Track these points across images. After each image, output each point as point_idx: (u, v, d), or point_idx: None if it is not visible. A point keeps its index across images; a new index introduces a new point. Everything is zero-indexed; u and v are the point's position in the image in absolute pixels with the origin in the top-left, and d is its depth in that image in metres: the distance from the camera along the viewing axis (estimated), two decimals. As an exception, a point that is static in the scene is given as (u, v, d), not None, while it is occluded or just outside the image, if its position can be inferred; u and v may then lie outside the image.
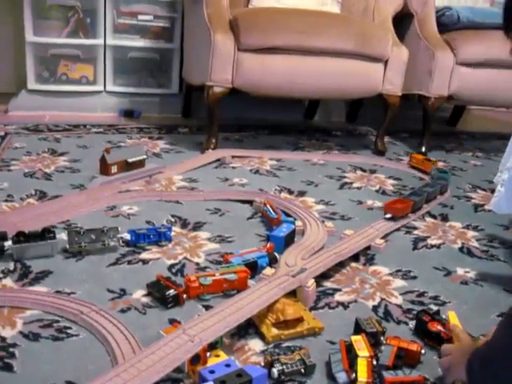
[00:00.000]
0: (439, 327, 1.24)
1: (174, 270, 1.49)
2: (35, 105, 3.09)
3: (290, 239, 1.65)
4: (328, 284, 1.49)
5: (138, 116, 3.18)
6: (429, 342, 1.24)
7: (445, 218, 2.02)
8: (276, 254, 1.55)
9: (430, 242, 1.81)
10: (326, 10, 2.82)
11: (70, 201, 1.87)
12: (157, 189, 2.07)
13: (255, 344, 1.21)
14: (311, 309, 1.36)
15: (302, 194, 2.15)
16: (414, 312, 1.36)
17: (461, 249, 1.78)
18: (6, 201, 1.85)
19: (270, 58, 2.51)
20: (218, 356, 1.12)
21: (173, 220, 1.80)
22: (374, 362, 1.10)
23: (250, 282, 1.43)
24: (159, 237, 1.63)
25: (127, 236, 1.60)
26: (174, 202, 1.95)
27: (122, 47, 3.18)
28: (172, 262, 1.54)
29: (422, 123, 2.94)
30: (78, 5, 3.05)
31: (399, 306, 1.40)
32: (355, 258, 1.63)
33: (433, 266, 1.65)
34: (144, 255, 1.56)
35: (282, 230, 1.66)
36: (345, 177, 2.40)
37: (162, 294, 1.31)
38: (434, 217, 2.03)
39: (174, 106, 3.30)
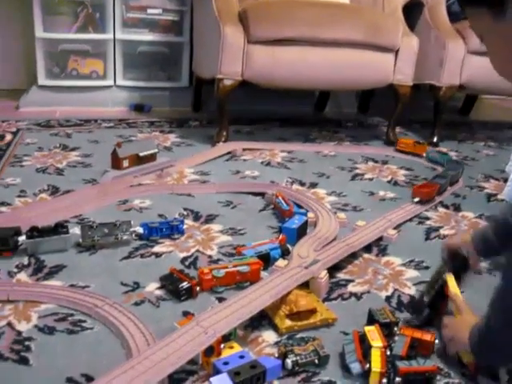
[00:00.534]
0: None
1: (186, 263, 1.50)
2: (46, 100, 3.09)
3: (302, 231, 1.65)
4: (341, 275, 1.48)
5: (148, 110, 3.18)
6: None
7: (457, 208, 2.01)
8: (288, 245, 1.55)
9: (442, 232, 1.80)
10: (335, 1, 2.80)
11: (82, 195, 1.88)
12: (168, 182, 2.08)
13: (269, 335, 1.21)
14: (324, 300, 1.36)
15: (313, 185, 2.14)
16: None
17: (474, 238, 1.77)
18: (19, 196, 1.86)
19: (279, 50, 2.50)
20: (231, 348, 1.12)
21: (185, 213, 1.81)
22: (388, 353, 1.10)
23: (263, 273, 1.43)
24: (172, 230, 1.64)
25: (140, 229, 1.61)
26: (185, 195, 1.96)
27: (132, 41, 3.18)
28: (185, 254, 1.54)
29: (434, 113, 2.93)
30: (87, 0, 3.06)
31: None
32: (368, 248, 1.63)
33: (446, 256, 1.64)
34: (157, 248, 1.56)
35: (295, 222, 1.65)
36: (356, 168, 2.40)
37: (176, 287, 1.32)
38: (446, 207, 2.02)
39: (185, 100, 3.29)
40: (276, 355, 1.14)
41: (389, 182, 2.26)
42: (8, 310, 1.24)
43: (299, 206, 1.84)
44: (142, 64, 3.27)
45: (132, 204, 1.85)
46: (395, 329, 1.20)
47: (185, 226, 1.67)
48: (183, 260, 1.51)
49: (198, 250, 1.57)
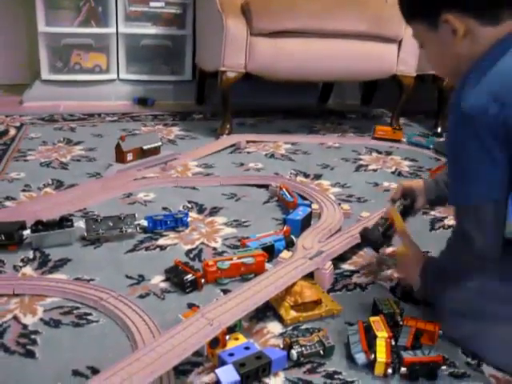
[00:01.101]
0: None
1: (191, 255, 1.50)
2: (49, 95, 3.10)
3: (306, 222, 1.65)
4: (345, 266, 1.49)
5: (151, 104, 3.18)
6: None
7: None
8: (293, 237, 1.55)
9: (446, 222, 1.80)
10: (338, -8, 2.79)
11: (86, 189, 1.89)
12: (172, 175, 2.08)
13: (274, 327, 1.21)
14: (329, 291, 1.36)
15: (317, 177, 2.14)
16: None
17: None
18: (24, 190, 1.87)
19: (282, 42, 2.50)
20: (237, 339, 1.13)
21: (189, 206, 1.81)
22: (393, 343, 1.10)
23: (268, 265, 1.43)
24: (176, 223, 1.64)
25: (144, 222, 1.61)
26: (189, 187, 1.96)
27: (135, 35, 3.18)
28: (189, 247, 1.54)
29: (437, 103, 2.92)
30: (90, -7, 3.05)
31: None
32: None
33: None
34: (161, 241, 1.57)
35: (299, 214, 1.65)
36: (360, 159, 2.39)
37: (180, 279, 1.32)
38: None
39: (188, 93, 3.29)
40: (281, 346, 1.14)
41: (393, 172, 2.25)
42: (14, 303, 1.25)
43: (303, 198, 1.84)
44: (145, 57, 3.26)
45: (136, 197, 1.86)
46: (399, 319, 1.20)
47: (189, 219, 1.67)
48: (188, 252, 1.51)
49: (202, 243, 1.57)
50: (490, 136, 1.01)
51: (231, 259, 1.38)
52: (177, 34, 3.25)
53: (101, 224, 1.54)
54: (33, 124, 2.67)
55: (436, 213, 1.85)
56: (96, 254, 1.49)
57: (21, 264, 1.41)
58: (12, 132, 2.52)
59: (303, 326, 1.21)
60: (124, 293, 1.29)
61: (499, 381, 1.09)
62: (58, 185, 1.94)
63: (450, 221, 1.80)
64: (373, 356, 1.08)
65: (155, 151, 2.19)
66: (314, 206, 1.76)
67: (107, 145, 2.29)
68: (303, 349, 1.10)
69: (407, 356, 1.06)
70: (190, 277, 1.32)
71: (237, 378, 1.01)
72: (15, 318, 1.20)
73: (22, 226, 1.51)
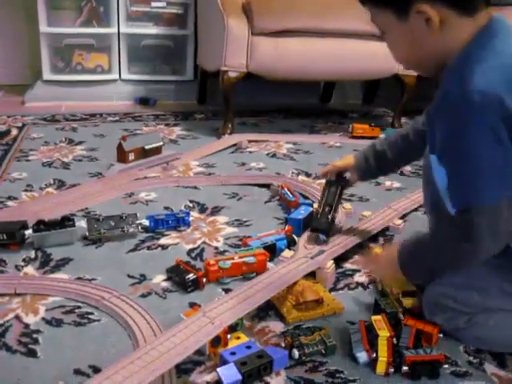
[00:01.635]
0: None
1: (193, 255, 1.50)
2: (51, 95, 3.10)
3: (308, 222, 1.64)
4: (347, 265, 1.48)
5: (153, 104, 3.18)
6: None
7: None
8: (294, 236, 1.55)
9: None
10: (339, -9, 2.79)
11: (88, 189, 1.89)
12: (174, 175, 2.08)
13: (275, 326, 1.21)
14: (331, 290, 1.36)
15: (319, 176, 2.14)
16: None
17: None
18: (26, 190, 1.87)
19: (284, 41, 2.50)
20: (238, 338, 1.13)
21: (191, 205, 1.81)
22: (395, 342, 1.10)
23: (269, 264, 1.43)
24: (178, 222, 1.64)
25: (146, 222, 1.61)
26: (191, 187, 1.96)
27: (136, 35, 3.18)
28: (191, 246, 1.54)
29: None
30: (91, -6, 3.06)
31: (419, 285, 1.39)
32: (374, 238, 1.62)
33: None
34: (163, 240, 1.57)
35: (300, 213, 1.65)
36: (362, 158, 2.39)
37: (182, 279, 1.32)
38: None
39: (190, 93, 3.29)
40: (283, 345, 1.14)
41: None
42: (16, 303, 1.25)
43: (305, 197, 1.84)
44: (146, 57, 3.27)
45: (138, 197, 1.86)
46: (402, 318, 1.20)
47: (191, 218, 1.67)
48: (189, 252, 1.51)
49: (204, 242, 1.57)
50: (504, 127, 0.96)
51: (233, 258, 1.38)
52: (178, 33, 3.26)
53: (102, 223, 1.54)
54: (35, 124, 2.67)
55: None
56: (98, 253, 1.49)
57: (22, 263, 1.42)
58: (14, 132, 2.52)
59: (305, 325, 1.21)
60: (126, 292, 1.29)
61: (501, 379, 1.09)
62: (60, 185, 1.94)
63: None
64: (374, 355, 1.08)
65: (157, 151, 2.19)
66: (316, 205, 1.76)
67: (109, 145, 2.30)
68: (305, 348, 1.10)
69: (409, 355, 1.06)
70: (191, 276, 1.32)
71: (238, 376, 1.00)
72: (17, 317, 1.20)
73: (24, 225, 1.51)
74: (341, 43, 2.56)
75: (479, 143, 0.97)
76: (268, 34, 2.47)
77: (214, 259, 1.38)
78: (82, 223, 1.59)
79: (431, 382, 1.06)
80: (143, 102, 3.20)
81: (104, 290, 1.28)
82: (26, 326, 1.17)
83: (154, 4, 3.16)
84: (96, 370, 1.05)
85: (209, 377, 1.05)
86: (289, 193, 1.81)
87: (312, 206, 1.74)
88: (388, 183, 2.10)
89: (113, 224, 1.55)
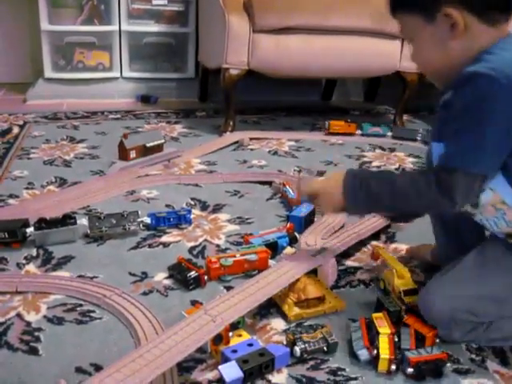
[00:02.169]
0: None
1: (194, 252, 1.50)
2: (53, 93, 3.10)
3: (309, 219, 1.64)
4: (349, 262, 1.48)
5: (154, 101, 3.18)
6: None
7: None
8: (296, 233, 1.54)
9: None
10: (340, -12, 2.78)
11: (89, 187, 1.89)
12: (175, 172, 2.08)
13: (277, 323, 1.21)
14: (332, 287, 1.35)
15: (321, 174, 2.12)
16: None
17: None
18: (27, 188, 1.87)
19: (285, 39, 2.49)
20: (240, 336, 1.12)
21: (192, 203, 1.81)
22: (396, 339, 1.09)
23: (271, 262, 1.43)
24: (179, 220, 1.64)
25: (147, 220, 1.61)
26: (192, 185, 1.96)
27: (137, 33, 3.18)
28: (192, 244, 1.54)
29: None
30: (92, -8, 3.05)
31: (422, 283, 1.39)
32: (376, 236, 1.62)
33: (454, 242, 1.63)
34: (164, 238, 1.56)
35: (302, 210, 1.65)
36: (364, 156, 2.39)
37: (184, 276, 1.32)
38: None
39: (191, 90, 3.29)
40: (284, 343, 1.14)
41: (397, 169, 2.25)
42: (17, 301, 1.25)
43: (306, 195, 1.84)
44: (147, 55, 3.26)
45: (139, 195, 1.85)
46: (404, 316, 1.20)
47: (192, 216, 1.67)
48: (191, 249, 1.51)
49: (205, 240, 1.57)
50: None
51: (234, 256, 1.38)
52: (179, 31, 3.25)
53: (104, 221, 1.54)
54: (36, 122, 2.67)
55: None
56: (99, 251, 1.49)
57: (24, 261, 1.42)
58: (15, 130, 2.52)
59: (306, 323, 1.21)
60: (127, 290, 1.29)
61: (504, 377, 1.09)
62: (62, 182, 1.94)
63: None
64: (375, 352, 1.08)
65: (158, 149, 2.19)
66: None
67: (110, 142, 2.29)
68: (306, 345, 1.10)
69: (412, 356, 1.06)
70: (193, 274, 1.32)
71: (240, 374, 1.00)
72: (18, 315, 1.20)
73: (25, 223, 1.51)
74: (342, 40, 2.55)
75: (492, 116, 1.00)
76: (269, 31, 2.46)
77: (215, 257, 1.38)
78: (83, 221, 1.58)
79: (434, 381, 1.06)
80: (145, 99, 3.19)
81: (106, 287, 1.28)
82: (28, 324, 1.17)
83: (154, 2, 3.16)
84: (98, 368, 1.05)
85: (210, 375, 1.05)
86: (290, 190, 1.81)
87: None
88: (390, 180, 2.09)
89: (114, 222, 1.55)
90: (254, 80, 2.70)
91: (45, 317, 1.20)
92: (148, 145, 2.15)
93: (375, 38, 2.58)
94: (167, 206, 1.77)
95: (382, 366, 1.07)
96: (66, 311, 1.22)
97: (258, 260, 1.38)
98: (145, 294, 1.29)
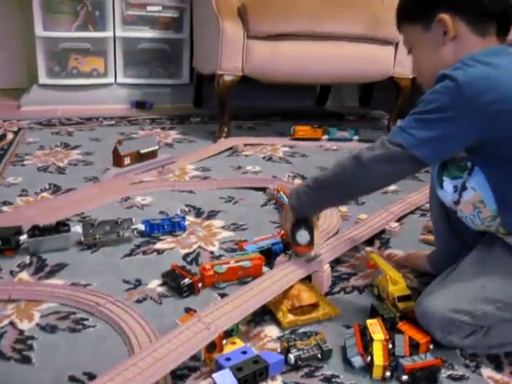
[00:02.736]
0: None
1: (188, 259, 1.49)
2: (47, 99, 3.10)
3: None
4: (343, 269, 1.48)
5: (149, 107, 3.18)
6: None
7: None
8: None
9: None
10: (334, -6, 2.79)
11: (83, 193, 1.88)
12: (170, 179, 2.07)
13: (271, 330, 1.21)
14: (327, 294, 1.35)
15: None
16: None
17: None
18: (21, 195, 1.87)
19: (279, 45, 2.50)
20: (234, 343, 1.12)
21: (186, 209, 1.81)
22: (390, 346, 1.09)
23: (265, 268, 1.42)
24: (173, 226, 1.63)
25: (141, 227, 1.60)
26: (187, 191, 1.95)
27: (132, 39, 3.18)
28: (187, 251, 1.54)
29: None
30: (87, -3, 3.06)
31: (416, 289, 1.39)
32: (370, 242, 1.62)
33: (449, 248, 1.63)
34: (158, 245, 1.56)
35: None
36: (358, 161, 2.38)
37: (177, 284, 1.31)
38: (449, 199, 2.00)
39: (186, 96, 3.29)
40: (279, 350, 1.13)
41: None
42: (10, 309, 1.24)
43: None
44: (142, 61, 3.27)
45: (133, 201, 1.85)
46: (399, 323, 1.20)
47: (186, 223, 1.67)
48: (185, 256, 1.51)
49: (199, 246, 1.57)
50: (471, 119, 1.04)
51: (228, 263, 1.38)
52: (174, 37, 3.26)
53: (98, 228, 1.54)
54: (30, 129, 2.67)
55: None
56: (93, 258, 1.49)
57: (17, 269, 1.41)
58: (9, 136, 2.52)
59: (301, 330, 1.21)
60: (121, 297, 1.29)
61: (498, 382, 1.09)
62: (55, 189, 1.93)
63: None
64: (369, 358, 1.08)
65: (152, 155, 2.19)
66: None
67: (105, 149, 2.29)
68: (301, 352, 1.10)
69: (407, 363, 1.06)
70: (187, 281, 1.31)
71: (234, 382, 1.00)
72: (11, 323, 1.19)
73: (19, 231, 1.50)
74: (336, 46, 2.55)
75: (449, 117, 1.06)
76: (263, 37, 2.47)
77: (209, 264, 1.38)
78: (77, 228, 1.58)
79: (428, 387, 1.06)
80: (139, 105, 3.19)
81: (99, 295, 1.28)
82: (21, 332, 1.17)
83: (149, 8, 3.17)
84: (91, 376, 1.04)
85: (204, 383, 1.04)
86: (284, 196, 1.81)
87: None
88: (384, 186, 2.09)
89: (108, 229, 1.55)
90: (249, 86, 2.70)
91: (38, 325, 1.19)
92: (142, 151, 2.14)
93: (369, 44, 2.59)
94: (161, 212, 1.77)
95: (377, 372, 1.06)
96: (59, 319, 1.21)
97: (252, 267, 1.38)
98: (138, 301, 1.29)
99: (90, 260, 1.47)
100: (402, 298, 1.26)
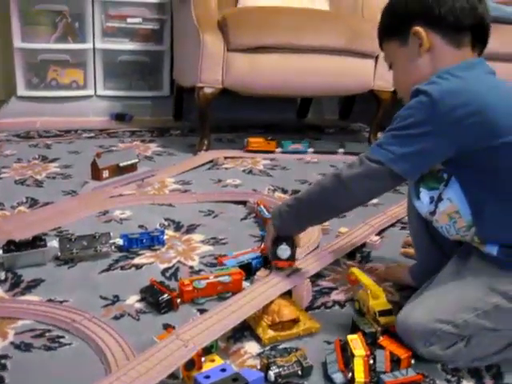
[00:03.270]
0: None
1: (167, 274, 1.47)
2: (26, 111, 3.07)
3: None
4: (324, 283, 1.47)
5: (129, 120, 3.16)
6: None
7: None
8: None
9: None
10: (315, 8, 2.80)
11: (61, 207, 1.86)
12: (149, 192, 2.06)
13: (251, 347, 1.19)
14: (307, 309, 1.34)
15: (295, 192, 2.11)
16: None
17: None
18: (-3, 209, 1.84)
19: (259, 58, 2.50)
20: (213, 361, 1.10)
21: (166, 223, 1.79)
22: (371, 361, 1.08)
23: (245, 283, 1.41)
24: (152, 241, 1.61)
25: (120, 241, 1.58)
26: (166, 205, 1.94)
27: (112, 51, 3.17)
28: (166, 265, 1.52)
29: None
30: (66, 9, 3.04)
31: (397, 303, 1.38)
32: (351, 255, 1.61)
33: (429, 261, 1.63)
34: (137, 260, 1.54)
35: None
36: (339, 174, 2.38)
37: (156, 299, 1.29)
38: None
39: (166, 109, 3.28)
40: (258, 367, 1.11)
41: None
42: (-16, 326, 1.21)
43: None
44: (122, 73, 3.25)
45: (112, 215, 1.83)
46: (380, 338, 1.19)
47: (165, 237, 1.65)
48: (164, 271, 1.49)
49: (179, 261, 1.55)
50: (447, 133, 1.07)
51: (208, 278, 1.36)
52: (154, 49, 3.25)
53: (75, 243, 1.51)
54: (8, 141, 2.64)
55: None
56: (70, 274, 1.46)
57: (-8, 285, 1.38)
58: (-14, 149, 2.49)
59: (281, 346, 1.19)
60: (98, 314, 1.26)
61: (479, 398, 1.08)
62: (33, 203, 1.91)
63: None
64: (350, 375, 1.06)
65: (132, 168, 2.17)
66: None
67: (83, 162, 2.26)
68: (281, 369, 1.08)
69: (388, 379, 1.04)
70: (165, 297, 1.29)
71: (213, 401, 0.98)
72: (-15, 341, 1.17)
73: (-6, 246, 1.48)
74: (316, 59, 2.56)
75: (425, 131, 1.08)
76: (243, 50, 2.47)
77: (188, 279, 1.36)
78: (54, 243, 1.55)
79: (409, 403, 1.05)
80: (119, 118, 3.18)
81: (75, 312, 1.25)
82: (-6, 351, 1.14)
83: (129, 20, 3.16)
84: (66, 396, 1.02)
85: (183, 401, 1.02)
86: (264, 210, 1.80)
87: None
88: (365, 199, 2.09)
89: (85, 244, 1.52)
90: (229, 98, 2.70)
91: (12, 343, 1.16)
92: (121, 164, 2.12)
93: (349, 56, 2.60)
94: (140, 226, 1.75)
95: (358, 389, 1.05)
96: (34, 337, 1.18)
97: (232, 282, 1.37)
98: (116, 318, 1.27)
99: (66, 276, 1.45)
100: (382, 313, 1.25)
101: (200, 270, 1.50)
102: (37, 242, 1.49)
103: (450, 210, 1.16)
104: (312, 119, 3.51)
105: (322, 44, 2.55)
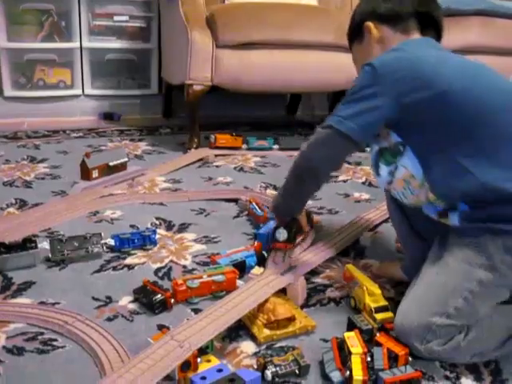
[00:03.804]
0: None
1: (160, 274, 1.46)
2: (13, 112, 3.04)
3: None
4: (319, 280, 1.46)
5: (118, 119, 3.14)
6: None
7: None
8: (264, 252, 1.51)
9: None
10: (304, 3, 2.79)
11: (51, 208, 1.83)
12: (140, 191, 2.04)
13: (247, 346, 1.18)
14: (302, 307, 1.33)
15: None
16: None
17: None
18: (-14, 211, 1.81)
19: (248, 54, 2.48)
20: (209, 361, 1.09)
21: (157, 222, 1.77)
22: (368, 359, 1.07)
23: (239, 282, 1.40)
24: (144, 240, 1.59)
25: (111, 241, 1.56)
26: (157, 204, 1.92)
27: (99, 49, 3.14)
28: (158, 265, 1.50)
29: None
30: (52, 8, 3.00)
31: (392, 299, 1.37)
32: (345, 252, 1.60)
33: (423, 256, 1.62)
34: (129, 260, 1.52)
35: (269, 228, 1.62)
36: (330, 170, 2.37)
37: (149, 300, 1.28)
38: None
39: (155, 107, 3.26)
40: (255, 367, 1.10)
41: (363, 183, 2.24)
42: (-26, 331, 1.19)
43: (274, 211, 1.82)
44: (110, 72, 3.22)
45: (103, 215, 1.81)
46: (377, 335, 1.18)
47: (157, 236, 1.63)
48: (157, 271, 1.47)
49: (171, 261, 1.53)
50: (389, 92, 1.17)
51: (201, 277, 1.35)
52: (142, 47, 3.23)
53: (66, 244, 1.49)
54: (-5, 142, 2.61)
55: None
56: (61, 275, 1.44)
57: (-18, 289, 1.36)
58: (-26, 151, 2.46)
59: (277, 345, 1.18)
60: (91, 315, 1.25)
61: (478, 394, 1.07)
62: (22, 204, 1.88)
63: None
64: (348, 373, 1.05)
65: (122, 167, 2.15)
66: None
67: (72, 162, 2.24)
68: (278, 369, 1.07)
69: (387, 376, 1.03)
70: (159, 297, 1.28)
71: (210, 402, 0.97)
72: (-24, 346, 1.15)
73: (-16, 248, 1.45)
74: (306, 55, 2.55)
75: (368, 95, 1.20)
76: (232, 46, 2.45)
77: (181, 278, 1.34)
78: (44, 245, 1.53)
79: (408, 400, 1.04)
80: (107, 117, 3.15)
81: (68, 314, 1.23)
82: (-14, 355, 1.12)
83: (116, 18, 3.13)
84: (60, 400, 1.00)
85: (179, 403, 1.01)
86: (257, 207, 1.79)
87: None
88: (357, 194, 2.09)
89: (77, 245, 1.50)
90: (219, 95, 2.69)
91: (4, 347, 1.14)
92: (111, 163, 2.10)
93: (338, 52, 2.58)
94: (132, 226, 1.73)
95: (356, 387, 1.04)
96: (27, 340, 1.16)
97: (226, 281, 1.35)
98: (109, 319, 1.25)
99: (58, 277, 1.43)
100: (379, 309, 1.24)
101: (193, 270, 1.49)
102: (27, 243, 1.47)
103: (406, 175, 1.22)
104: (302, 115, 3.50)
105: (310, 39, 2.54)
